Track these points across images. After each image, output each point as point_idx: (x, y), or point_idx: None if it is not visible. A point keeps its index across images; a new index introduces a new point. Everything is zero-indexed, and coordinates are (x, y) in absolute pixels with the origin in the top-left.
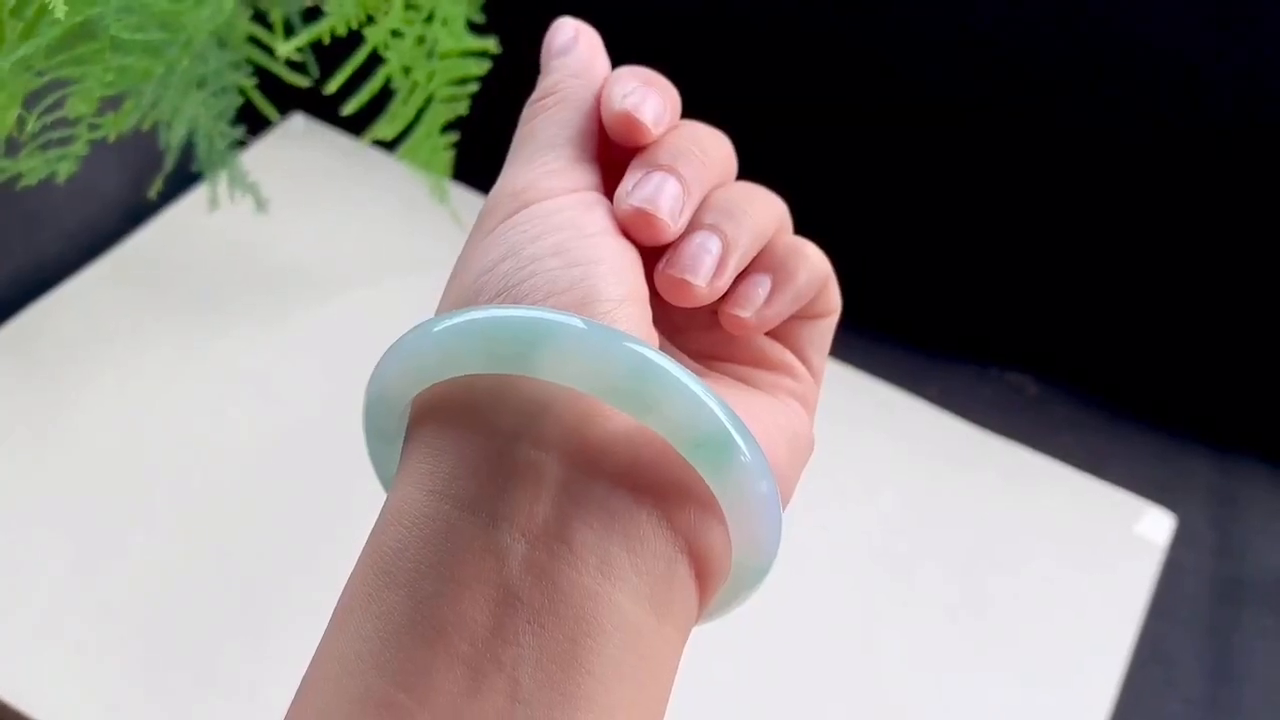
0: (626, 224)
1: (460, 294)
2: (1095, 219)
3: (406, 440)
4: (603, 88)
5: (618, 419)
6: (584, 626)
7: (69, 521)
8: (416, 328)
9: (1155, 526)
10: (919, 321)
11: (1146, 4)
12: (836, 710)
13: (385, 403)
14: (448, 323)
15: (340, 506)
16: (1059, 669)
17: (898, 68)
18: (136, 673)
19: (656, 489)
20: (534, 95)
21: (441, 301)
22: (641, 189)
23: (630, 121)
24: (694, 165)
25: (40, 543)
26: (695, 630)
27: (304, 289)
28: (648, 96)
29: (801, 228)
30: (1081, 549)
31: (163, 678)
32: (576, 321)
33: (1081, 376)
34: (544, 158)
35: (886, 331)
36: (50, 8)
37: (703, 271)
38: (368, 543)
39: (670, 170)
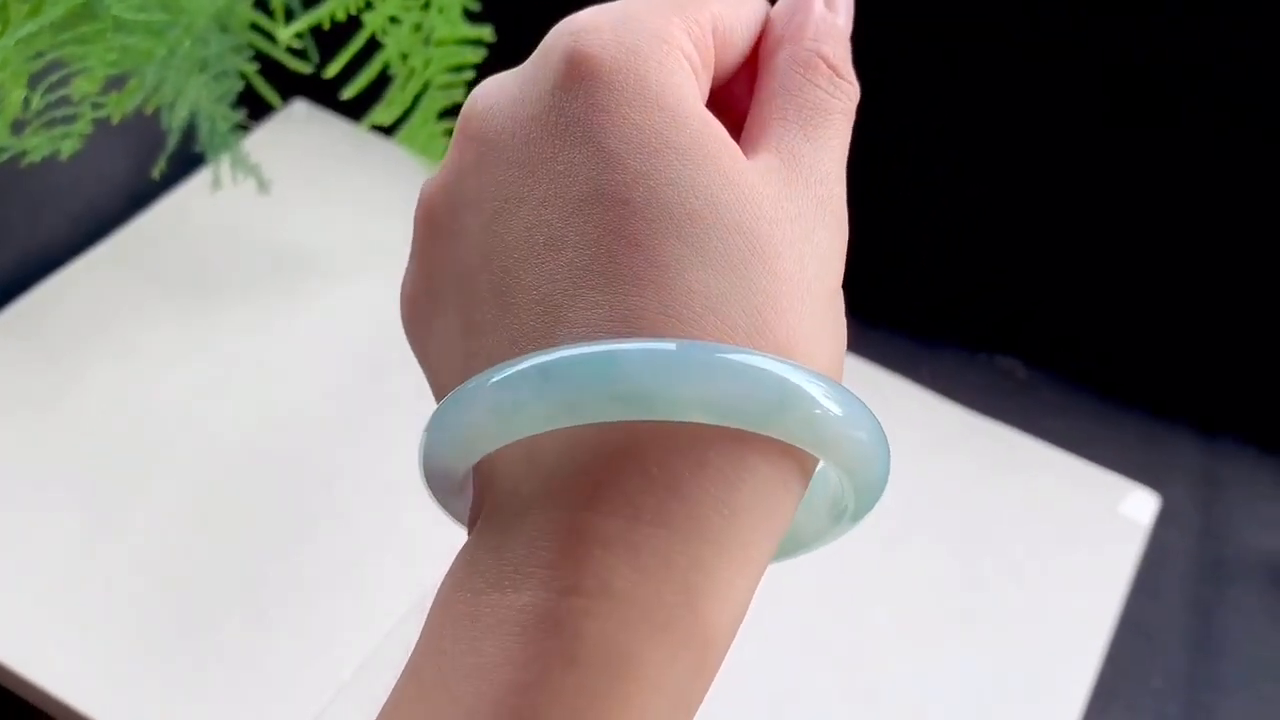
0: None
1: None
2: (1083, 207)
3: (688, 471)
4: None
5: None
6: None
7: (73, 498)
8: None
9: (1140, 507)
10: (910, 307)
11: None
12: (825, 686)
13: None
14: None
15: (338, 487)
16: (1044, 644)
17: (885, 55)
18: (138, 642)
19: None
20: None
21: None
22: None
23: None
24: None
25: (44, 519)
26: None
27: (305, 272)
28: None
29: None
30: (1068, 528)
31: (163, 647)
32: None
33: (1070, 361)
34: None
35: (878, 316)
36: None
37: None
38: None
39: None
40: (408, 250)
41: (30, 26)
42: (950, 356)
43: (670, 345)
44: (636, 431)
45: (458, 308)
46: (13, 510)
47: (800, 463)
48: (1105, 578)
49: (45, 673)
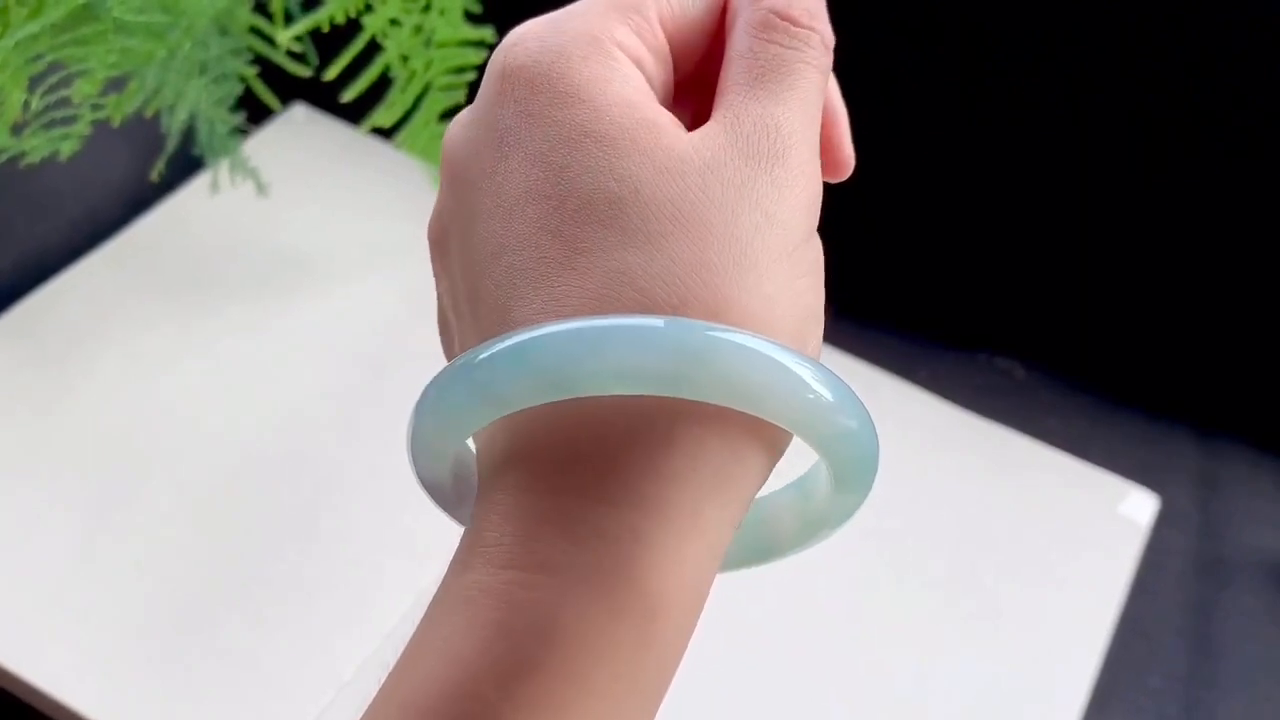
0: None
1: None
2: (1081, 207)
3: (640, 451)
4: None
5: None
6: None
7: (72, 501)
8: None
9: (1139, 507)
10: (909, 307)
11: None
12: (825, 686)
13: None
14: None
15: (338, 487)
16: (1044, 645)
17: (880, 54)
18: (138, 643)
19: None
20: None
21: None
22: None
23: (848, 171)
24: None
25: (43, 520)
26: None
27: (304, 275)
28: None
29: None
30: (1067, 529)
31: (163, 647)
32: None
33: (1068, 361)
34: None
35: (877, 317)
36: None
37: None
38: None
39: None
40: (406, 252)
41: (31, 28)
42: (949, 357)
43: (575, 324)
44: (566, 411)
45: (456, 326)
46: (14, 513)
47: (748, 428)
48: (1104, 578)
49: (45, 675)
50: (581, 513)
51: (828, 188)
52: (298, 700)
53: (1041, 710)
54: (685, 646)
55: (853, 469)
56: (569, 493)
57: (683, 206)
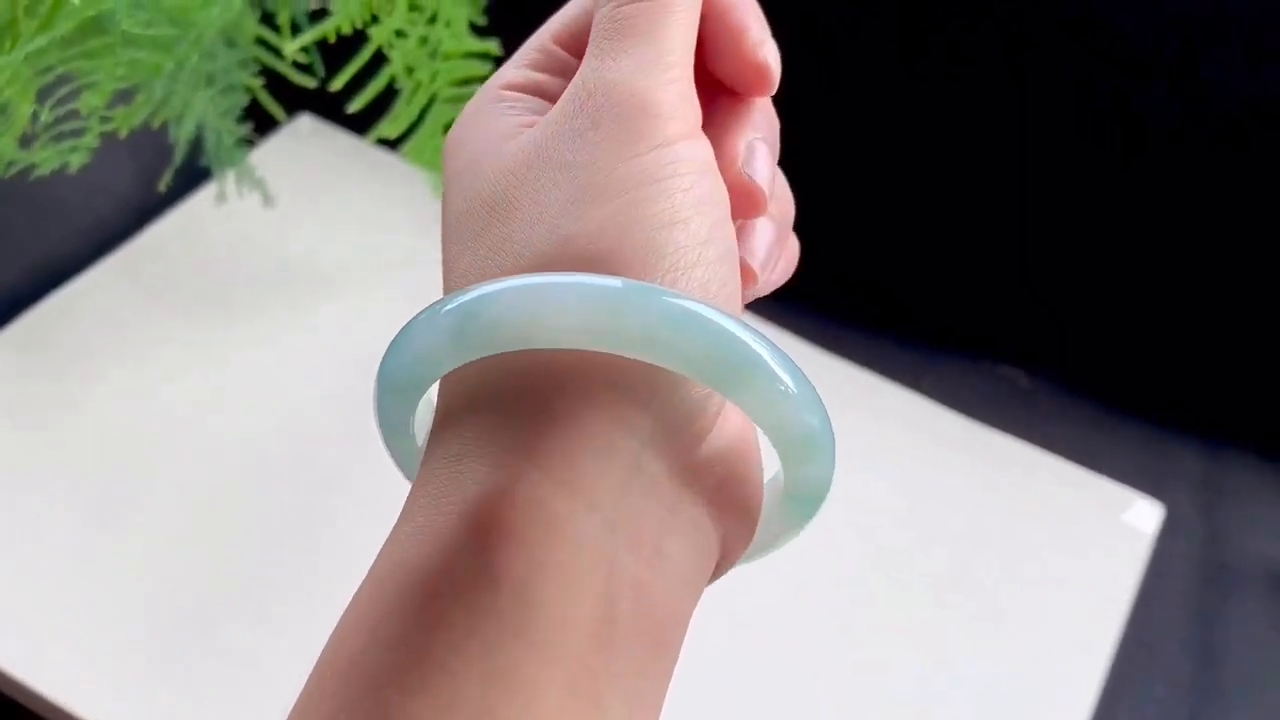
0: (740, 194)
1: (608, 205)
2: (1087, 215)
3: (480, 407)
4: (722, 7)
5: (713, 435)
6: (665, 644)
7: (78, 509)
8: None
9: (1144, 516)
10: (913, 315)
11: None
12: (827, 694)
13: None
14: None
15: (341, 493)
16: (1048, 654)
17: (891, 62)
18: (140, 647)
19: (730, 507)
20: None
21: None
22: (760, 164)
23: (767, 79)
24: (774, 138)
25: (47, 523)
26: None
27: (311, 284)
28: (773, 46)
29: (795, 223)
30: (1071, 538)
31: (161, 647)
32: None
33: (1072, 370)
34: (672, 71)
35: (881, 325)
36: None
37: (767, 261)
38: (431, 513)
39: (770, 143)
40: (411, 261)
41: (39, 41)
42: (952, 365)
43: (402, 329)
44: (442, 391)
45: None
46: (18, 516)
47: (594, 371)
48: (1109, 587)
49: (45, 677)
50: (440, 471)
51: (828, 190)
52: None
53: (1047, 718)
54: (580, 598)
55: (717, 371)
56: (444, 458)
57: (497, 197)
